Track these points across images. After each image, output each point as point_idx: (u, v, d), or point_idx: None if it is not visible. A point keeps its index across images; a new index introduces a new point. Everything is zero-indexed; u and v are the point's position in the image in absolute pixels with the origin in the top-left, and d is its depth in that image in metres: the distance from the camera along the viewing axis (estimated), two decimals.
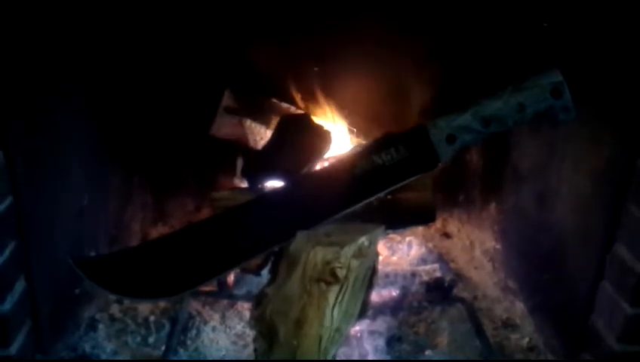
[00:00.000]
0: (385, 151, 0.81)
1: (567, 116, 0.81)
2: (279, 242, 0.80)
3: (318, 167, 1.12)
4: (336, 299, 0.78)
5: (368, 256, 0.81)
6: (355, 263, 0.79)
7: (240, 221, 0.82)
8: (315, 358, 0.77)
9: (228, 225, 0.82)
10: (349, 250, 0.78)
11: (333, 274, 0.77)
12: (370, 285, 0.85)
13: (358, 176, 0.82)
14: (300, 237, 0.78)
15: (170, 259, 0.81)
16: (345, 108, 1.40)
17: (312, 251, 0.77)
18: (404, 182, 0.83)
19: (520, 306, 1.33)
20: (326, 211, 0.81)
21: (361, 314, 0.85)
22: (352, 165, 0.83)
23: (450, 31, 1.32)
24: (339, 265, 0.77)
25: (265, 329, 0.79)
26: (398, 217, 1.01)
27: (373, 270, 0.85)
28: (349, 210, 0.82)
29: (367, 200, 0.82)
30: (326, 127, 1.26)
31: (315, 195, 0.83)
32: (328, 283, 0.77)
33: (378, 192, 0.82)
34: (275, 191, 0.91)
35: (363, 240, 0.80)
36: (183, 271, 0.81)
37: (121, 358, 1.20)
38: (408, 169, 0.83)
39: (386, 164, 0.81)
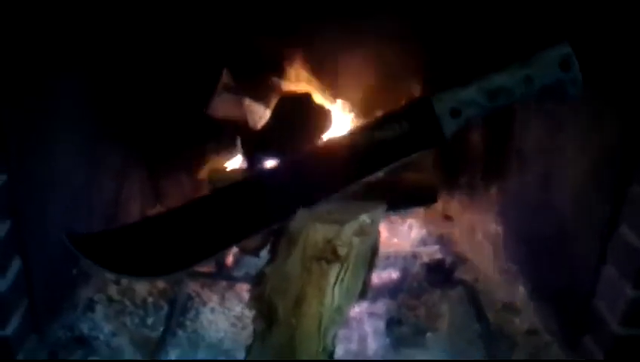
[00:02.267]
0: (387, 126, 0.79)
1: (575, 90, 0.79)
2: (279, 220, 0.78)
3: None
4: (337, 277, 0.77)
5: (370, 235, 0.80)
6: (356, 241, 0.77)
7: (238, 198, 0.80)
8: (315, 338, 0.75)
9: (226, 203, 0.80)
10: (350, 228, 0.77)
11: (334, 253, 0.75)
12: (371, 265, 0.83)
13: (359, 152, 0.80)
14: (301, 215, 0.77)
15: (167, 236, 0.79)
16: (346, 87, 1.38)
17: (313, 229, 0.75)
18: (408, 158, 0.81)
19: (521, 289, 1.32)
20: (327, 188, 0.79)
21: (362, 294, 0.83)
22: (353, 141, 0.80)
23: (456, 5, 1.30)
24: (340, 243, 0.75)
25: (264, 308, 0.77)
26: (399, 198, 1.00)
27: (375, 249, 0.83)
28: (350, 187, 0.80)
29: (369, 177, 0.80)
30: (327, 107, 1.24)
31: (315, 172, 0.81)
32: (329, 262, 0.75)
33: (380, 168, 0.80)
34: (274, 169, 0.90)
35: (364, 218, 0.78)
36: (180, 249, 0.80)
37: (118, 339, 1.18)
38: (411, 144, 0.80)
39: (388, 139, 0.79)
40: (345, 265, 0.77)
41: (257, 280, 0.79)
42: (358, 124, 0.85)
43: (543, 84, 0.78)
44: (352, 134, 0.82)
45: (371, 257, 0.83)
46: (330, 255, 0.75)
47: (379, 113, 0.87)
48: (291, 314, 0.75)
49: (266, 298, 0.77)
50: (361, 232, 0.78)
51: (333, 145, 0.87)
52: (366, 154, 0.80)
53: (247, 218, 0.79)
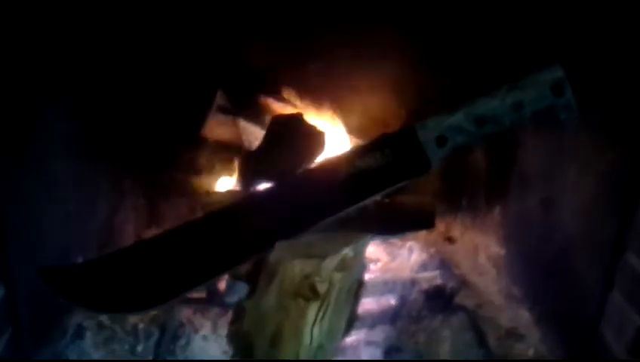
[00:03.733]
0: (370, 155, 0.76)
1: (568, 115, 0.75)
2: (259, 251, 0.75)
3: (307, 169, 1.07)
4: (317, 315, 0.73)
5: (353, 269, 0.76)
6: (337, 277, 0.73)
7: (218, 227, 0.77)
8: None
9: (206, 232, 0.77)
10: (330, 263, 0.73)
11: (313, 289, 0.71)
12: (357, 298, 0.79)
13: (342, 181, 0.76)
14: (279, 247, 0.73)
15: (141, 269, 0.76)
16: (340, 108, 1.36)
17: (290, 263, 0.72)
18: (393, 188, 0.77)
19: (525, 315, 1.29)
20: (309, 218, 0.76)
21: (347, 330, 0.79)
22: (335, 170, 0.77)
23: (447, 28, 1.28)
24: (319, 279, 0.71)
25: (241, 345, 0.74)
26: (396, 222, 0.97)
27: (360, 283, 0.79)
28: (332, 217, 0.76)
29: (352, 207, 0.76)
30: (319, 128, 1.21)
31: (297, 201, 0.77)
32: (307, 299, 0.71)
33: (363, 199, 0.76)
34: (256, 196, 0.86)
35: (347, 251, 0.74)
36: (160, 281, 0.76)
37: None
38: (396, 173, 0.77)
39: (371, 168, 0.76)
40: (325, 302, 0.73)
41: (235, 315, 0.75)
42: (344, 151, 0.81)
43: (535, 110, 0.74)
44: (333, 163, 0.79)
45: (357, 290, 0.79)
46: (308, 292, 0.71)
47: (366, 139, 0.84)
48: (268, 354, 0.71)
49: (243, 335, 0.73)
50: (344, 266, 0.74)
51: (315, 173, 0.83)
52: (348, 185, 0.76)
53: (226, 249, 0.75)
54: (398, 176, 0.77)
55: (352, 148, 0.82)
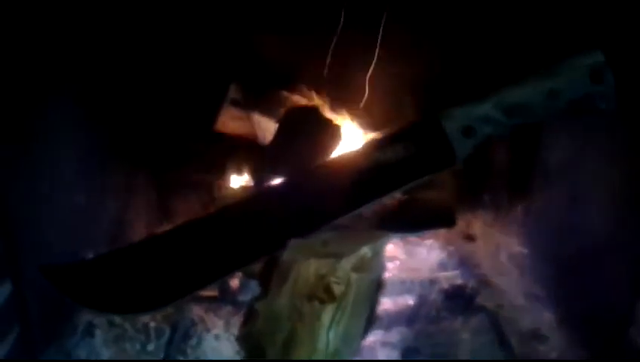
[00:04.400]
0: (391, 147, 0.71)
1: (608, 105, 0.70)
2: (272, 249, 0.71)
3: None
4: (333, 318, 0.69)
5: (371, 269, 0.72)
6: (354, 277, 0.69)
7: (231, 224, 0.73)
8: None
9: (221, 227, 0.74)
10: (347, 263, 0.69)
11: (328, 291, 0.67)
12: (375, 300, 0.75)
13: (361, 175, 0.72)
14: (293, 246, 0.69)
15: (156, 264, 0.73)
16: (356, 101, 1.33)
17: (305, 263, 0.68)
18: (415, 183, 0.73)
19: (548, 316, 1.25)
20: (325, 215, 0.72)
21: (365, 333, 0.76)
22: (354, 163, 0.73)
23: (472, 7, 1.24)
24: (335, 280, 0.68)
25: (252, 349, 0.70)
26: (416, 220, 0.93)
27: (379, 284, 0.75)
28: (351, 214, 0.72)
29: (372, 203, 0.72)
30: (336, 121, 1.18)
31: (313, 197, 0.73)
32: (322, 301, 0.68)
33: (384, 194, 0.72)
34: (272, 191, 0.83)
35: (365, 250, 0.70)
36: (170, 279, 0.73)
37: None
38: (419, 167, 0.72)
39: (393, 161, 0.71)
40: (342, 305, 0.69)
41: (247, 317, 0.71)
42: (360, 145, 0.77)
43: (570, 99, 0.69)
44: (352, 156, 0.75)
45: (376, 291, 0.75)
46: (323, 293, 0.67)
47: (387, 130, 0.80)
48: (280, 359, 0.68)
49: (255, 338, 0.70)
50: (362, 267, 0.70)
51: (332, 167, 0.79)
52: (368, 179, 0.72)
53: (239, 246, 0.72)
54: (421, 170, 0.72)
55: (372, 140, 0.78)
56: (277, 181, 1.09)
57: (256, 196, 0.83)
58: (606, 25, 1.01)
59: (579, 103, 0.69)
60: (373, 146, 0.74)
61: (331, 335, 0.69)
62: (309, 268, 0.68)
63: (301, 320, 0.68)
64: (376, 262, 0.72)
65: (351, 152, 0.77)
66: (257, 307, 0.70)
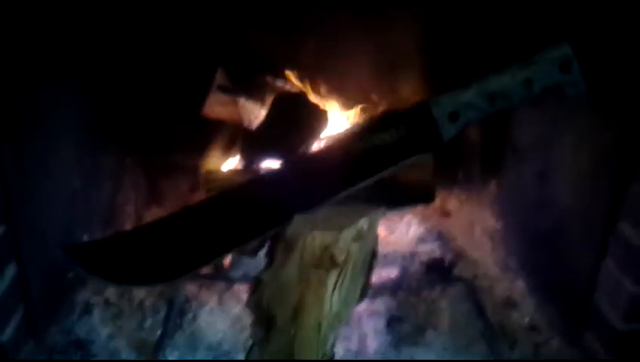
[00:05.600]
0: (384, 131, 0.78)
1: (576, 91, 0.77)
2: (275, 226, 0.77)
3: (314, 146, 1.09)
4: (335, 284, 0.76)
5: (368, 240, 0.79)
6: (354, 247, 0.76)
7: (235, 204, 0.79)
8: (314, 345, 0.75)
9: (223, 209, 0.79)
10: (348, 234, 0.75)
11: (332, 260, 0.74)
12: (370, 268, 0.82)
13: (356, 156, 0.78)
14: (297, 220, 0.76)
15: (164, 243, 0.78)
16: (342, 85, 1.37)
17: (310, 236, 0.74)
18: (405, 162, 0.80)
19: (521, 285, 1.32)
20: (324, 193, 0.78)
21: (361, 298, 0.82)
22: (349, 145, 0.79)
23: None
24: (338, 250, 0.74)
25: (262, 316, 0.76)
26: (396, 197, 0.98)
27: (373, 253, 0.82)
28: (347, 192, 0.79)
29: (367, 182, 0.79)
30: (322, 106, 1.23)
31: (311, 177, 0.79)
32: (327, 269, 0.74)
33: (377, 173, 0.79)
34: (271, 173, 0.88)
35: (362, 223, 0.77)
36: (178, 255, 0.79)
37: (116, 342, 1.18)
38: (409, 148, 0.79)
39: (385, 143, 0.78)
40: (343, 271, 0.76)
41: (254, 287, 0.78)
42: (354, 127, 0.83)
43: (543, 86, 0.77)
44: (349, 138, 0.81)
45: (370, 260, 0.82)
46: (327, 262, 0.74)
47: (376, 113, 0.86)
48: (290, 324, 0.74)
49: (264, 306, 0.76)
50: (359, 237, 0.77)
51: (329, 149, 0.85)
52: (363, 159, 0.78)
53: (243, 224, 0.78)
54: (410, 151, 0.79)
55: (365, 123, 0.84)
56: (267, 164, 1.14)
57: (258, 178, 0.88)
58: (574, 20, 1.07)
59: (551, 90, 0.77)
60: (369, 127, 0.81)
61: (335, 298, 0.76)
62: (314, 240, 0.74)
63: (309, 287, 0.74)
64: (372, 233, 0.79)
65: (346, 134, 0.83)
66: (265, 277, 0.77)
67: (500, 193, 1.42)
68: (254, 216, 0.78)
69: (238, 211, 0.78)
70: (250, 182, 0.82)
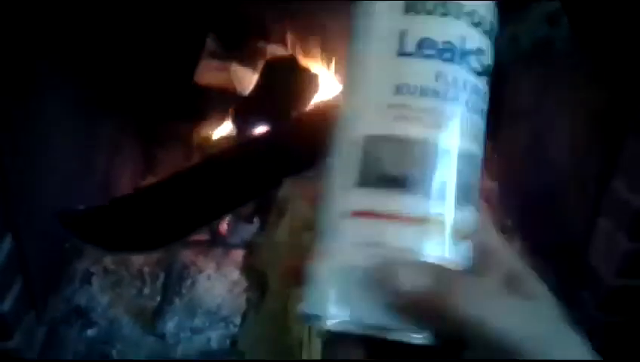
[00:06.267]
0: None
1: (564, 46, 0.76)
2: (265, 190, 0.77)
3: (305, 110, 1.09)
4: None
5: None
6: None
7: (224, 169, 0.79)
8: None
9: (213, 173, 0.79)
10: None
11: None
12: None
13: None
14: (287, 184, 0.76)
15: (157, 209, 0.79)
16: (335, 47, 1.35)
17: (299, 199, 0.75)
18: None
19: (517, 245, 1.31)
20: (313, 157, 0.78)
21: None
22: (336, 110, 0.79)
23: None
24: None
25: (256, 279, 0.77)
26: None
27: None
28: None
29: None
30: (313, 70, 1.22)
31: (300, 141, 0.79)
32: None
33: None
34: (261, 137, 0.88)
35: None
36: (171, 221, 0.79)
37: (116, 310, 1.19)
38: None
39: None
40: None
41: (249, 251, 0.78)
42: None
43: (530, 42, 0.76)
44: (335, 102, 0.81)
45: None
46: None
47: None
48: (283, 284, 0.75)
49: (258, 269, 0.76)
50: None
51: (317, 112, 0.85)
52: None
53: (234, 189, 0.78)
54: None
55: None
56: (259, 129, 1.13)
57: (248, 142, 0.88)
58: None
59: (539, 45, 0.76)
60: None
61: None
62: (303, 203, 0.74)
63: (300, 250, 0.75)
64: None
65: (335, 99, 0.82)
66: (259, 240, 0.77)
67: (496, 155, 1.42)
68: (244, 181, 0.78)
69: (228, 176, 0.78)
70: (238, 148, 0.82)
